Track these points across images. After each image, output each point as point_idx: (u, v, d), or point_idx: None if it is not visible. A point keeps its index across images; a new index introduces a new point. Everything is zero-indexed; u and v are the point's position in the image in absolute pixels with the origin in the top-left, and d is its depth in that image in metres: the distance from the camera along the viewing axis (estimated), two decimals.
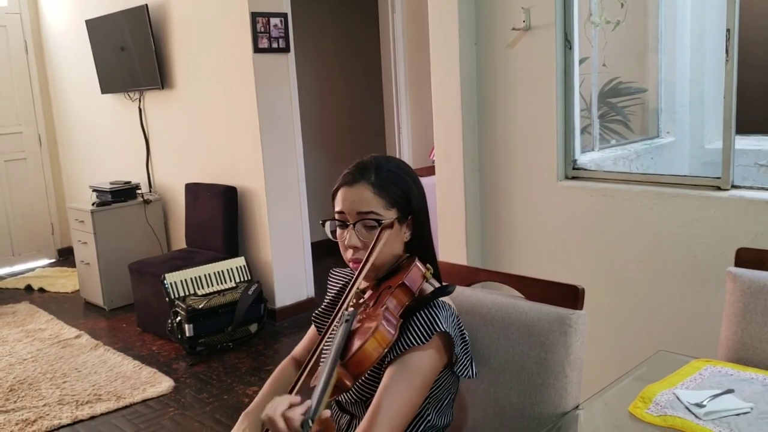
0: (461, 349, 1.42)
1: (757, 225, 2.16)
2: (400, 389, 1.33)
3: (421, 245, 1.50)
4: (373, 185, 1.42)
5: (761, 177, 3.44)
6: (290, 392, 1.26)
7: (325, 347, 1.53)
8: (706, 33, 3.76)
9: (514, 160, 2.78)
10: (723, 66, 2.25)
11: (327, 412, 1.13)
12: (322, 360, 1.47)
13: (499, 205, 2.86)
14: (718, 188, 2.30)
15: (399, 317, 1.34)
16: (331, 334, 1.37)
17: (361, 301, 1.45)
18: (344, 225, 1.45)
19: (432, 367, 1.37)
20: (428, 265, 1.44)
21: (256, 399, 1.59)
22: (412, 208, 1.46)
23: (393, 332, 1.31)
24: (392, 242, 1.43)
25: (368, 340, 1.26)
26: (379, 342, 1.28)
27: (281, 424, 1.17)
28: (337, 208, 1.46)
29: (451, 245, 2.95)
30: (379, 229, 1.39)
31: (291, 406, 1.20)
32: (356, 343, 1.28)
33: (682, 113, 3.78)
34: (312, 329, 1.69)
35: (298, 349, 1.69)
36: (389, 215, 1.42)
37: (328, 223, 1.49)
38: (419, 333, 1.35)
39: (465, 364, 1.43)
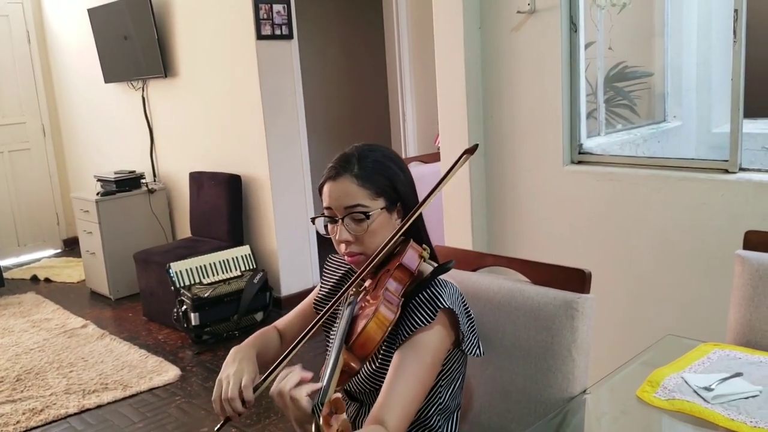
0: (467, 326, 1.41)
1: (765, 208, 2.14)
2: (411, 368, 1.33)
3: (414, 231, 1.48)
4: (356, 177, 1.40)
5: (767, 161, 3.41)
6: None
7: (329, 333, 1.52)
8: (713, 15, 3.72)
9: (519, 145, 2.76)
10: (730, 49, 2.22)
11: (337, 394, 1.13)
12: (328, 346, 1.48)
13: (505, 190, 2.84)
14: (726, 171, 2.27)
15: (400, 297, 1.34)
16: (331, 318, 1.36)
17: (362, 288, 1.44)
18: (333, 220, 1.43)
19: (440, 345, 1.37)
20: (424, 246, 1.43)
21: (247, 340, 1.57)
22: (400, 195, 1.45)
23: (395, 311, 1.30)
24: (384, 231, 1.42)
25: (370, 321, 1.26)
26: (381, 322, 1.27)
27: (289, 402, 1.19)
28: (324, 204, 1.44)
29: (456, 231, 2.93)
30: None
31: (301, 382, 1.21)
32: (359, 326, 1.27)
33: (688, 97, 3.75)
34: (302, 305, 1.67)
35: (283, 320, 1.67)
36: (376, 205, 1.41)
37: (318, 220, 1.49)
38: (423, 313, 1.34)
39: (472, 342, 1.43)
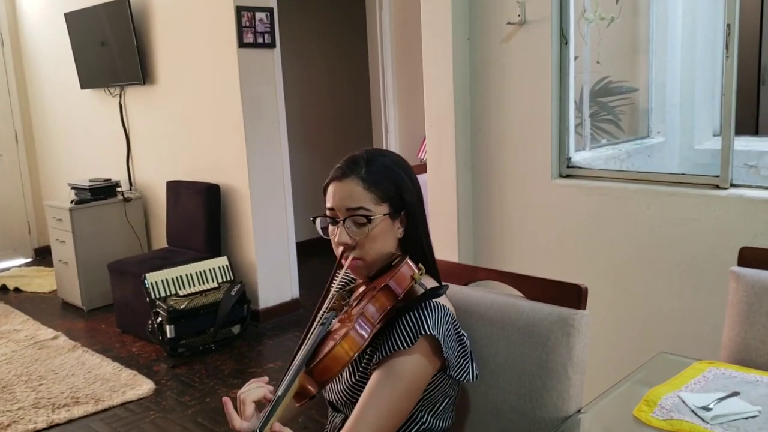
0: (458, 351, 1.37)
1: (757, 224, 2.13)
2: (383, 396, 1.29)
3: (416, 243, 1.44)
4: (363, 180, 1.36)
5: (751, 177, 3.42)
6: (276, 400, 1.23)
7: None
8: (697, 32, 3.75)
9: (507, 157, 2.74)
10: (713, 66, 2.22)
11: (277, 425, 1.10)
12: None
13: (492, 203, 2.81)
14: (717, 187, 2.27)
15: (377, 322, 1.29)
16: (309, 335, 1.32)
17: (344, 302, 1.40)
18: (334, 222, 1.39)
19: (418, 372, 1.32)
20: (420, 265, 1.37)
21: None
22: (405, 204, 1.41)
23: (365, 337, 1.25)
24: (384, 239, 1.38)
25: (336, 346, 1.21)
26: (348, 348, 1.23)
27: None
28: (327, 204, 1.40)
29: (442, 243, 2.90)
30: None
31: (264, 399, 1.27)
32: (325, 348, 1.23)
33: (672, 113, 3.76)
34: None
35: None
36: (380, 210, 1.37)
37: (318, 220, 1.44)
38: (404, 336, 1.30)
39: (463, 368, 1.38)
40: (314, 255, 5.47)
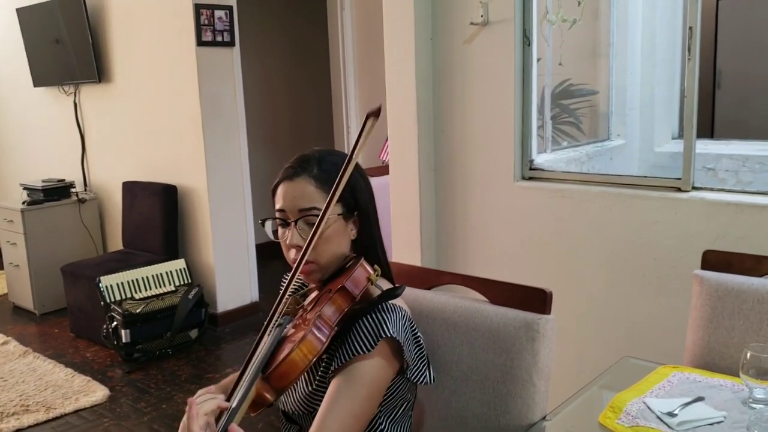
0: (415, 354, 1.33)
1: (719, 227, 2.14)
2: (345, 402, 1.24)
3: (369, 244, 1.41)
4: (315, 178, 1.32)
5: (711, 180, 3.46)
6: (228, 398, 1.19)
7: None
8: (656, 36, 3.79)
9: (470, 159, 2.72)
10: (673, 70, 2.24)
11: (236, 428, 1.07)
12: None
13: (455, 205, 2.79)
14: (679, 189, 2.27)
15: (335, 325, 1.25)
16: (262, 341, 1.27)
17: (299, 306, 1.36)
18: (286, 223, 1.34)
19: (379, 377, 1.28)
20: (375, 267, 1.34)
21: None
22: (359, 204, 1.37)
23: (323, 340, 1.21)
24: (338, 240, 1.34)
25: (293, 350, 1.17)
26: (306, 352, 1.18)
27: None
28: (277, 206, 1.35)
29: (405, 246, 2.87)
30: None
31: (218, 410, 1.18)
32: (282, 353, 1.18)
33: (632, 116, 3.79)
34: None
35: None
36: (333, 210, 1.32)
37: (268, 223, 1.39)
38: (364, 340, 1.26)
39: (420, 370, 1.35)
40: (274, 258, 5.38)
